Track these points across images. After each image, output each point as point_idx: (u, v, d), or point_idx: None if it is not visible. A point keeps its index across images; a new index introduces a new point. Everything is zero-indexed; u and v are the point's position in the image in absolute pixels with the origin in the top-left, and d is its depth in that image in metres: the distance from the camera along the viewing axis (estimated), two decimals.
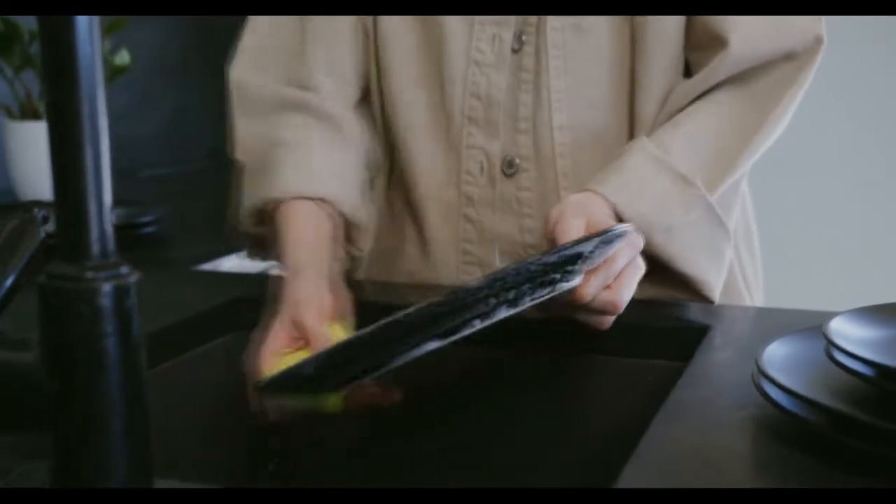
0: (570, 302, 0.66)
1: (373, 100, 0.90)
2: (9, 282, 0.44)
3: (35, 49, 1.39)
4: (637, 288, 0.79)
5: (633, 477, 0.46)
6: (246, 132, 0.87)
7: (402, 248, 0.90)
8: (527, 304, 0.60)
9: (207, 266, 1.14)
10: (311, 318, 0.68)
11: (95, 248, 0.38)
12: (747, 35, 0.79)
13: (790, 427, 0.51)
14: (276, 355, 0.67)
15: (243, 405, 0.83)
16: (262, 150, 0.85)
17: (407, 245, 0.90)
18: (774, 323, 0.74)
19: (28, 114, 1.41)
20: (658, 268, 0.78)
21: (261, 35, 0.90)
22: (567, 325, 0.75)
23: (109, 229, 0.38)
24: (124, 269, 0.38)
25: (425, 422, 0.79)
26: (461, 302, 0.55)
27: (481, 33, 0.84)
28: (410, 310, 0.54)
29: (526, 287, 0.59)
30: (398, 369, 0.64)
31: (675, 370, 0.68)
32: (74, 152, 0.38)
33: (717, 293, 0.79)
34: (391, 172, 0.92)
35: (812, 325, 0.59)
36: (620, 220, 0.74)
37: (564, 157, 0.84)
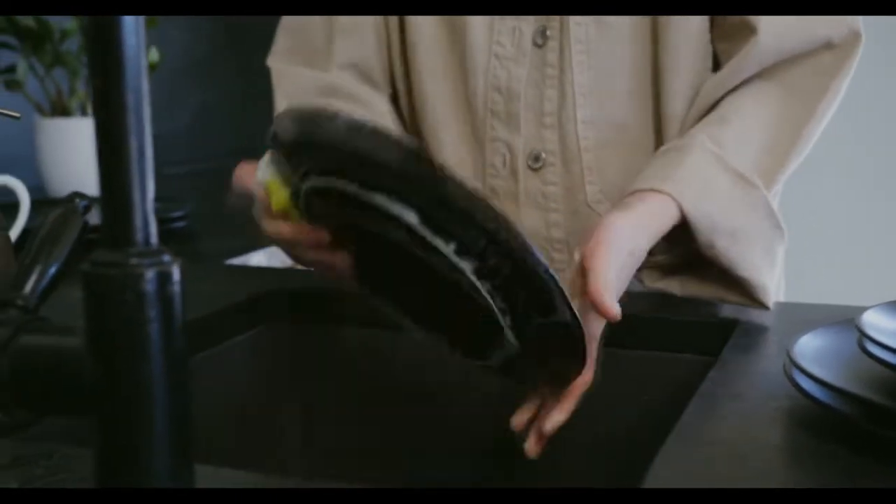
0: None
1: (400, 96, 0.91)
2: (52, 270, 0.45)
3: (65, 47, 1.40)
4: (687, 286, 0.78)
5: (665, 468, 0.46)
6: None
7: None
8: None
9: (237, 261, 1.15)
10: None
11: (139, 235, 0.39)
12: (776, 22, 0.78)
13: (823, 419, 0.51)
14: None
15: (273, 397, 0.84)
16: None
17: None
18: (801, 317, 0.74)
19: (58, 111, 1.43)
20: (712, 269, 0.75)
21: (292, 35, 0.92)
22: None
23: (152, 218, 0.39)
24: (167, 257, 0.39)
25: (451, 414, 0.80)
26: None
27: (502, 26, 0.85)
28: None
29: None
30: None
31: (703, 364, 0.68)
32: (119, 142, 0.38)
33: (771, 298, 0.76)
34: None
35: (841, 319, 0.59)
36: (685, 218, 0.71)
37: (589, 151, 0.84)
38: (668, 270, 0.80)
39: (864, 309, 0.54)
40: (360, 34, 0.89)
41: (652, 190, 0.72)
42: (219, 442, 0.75)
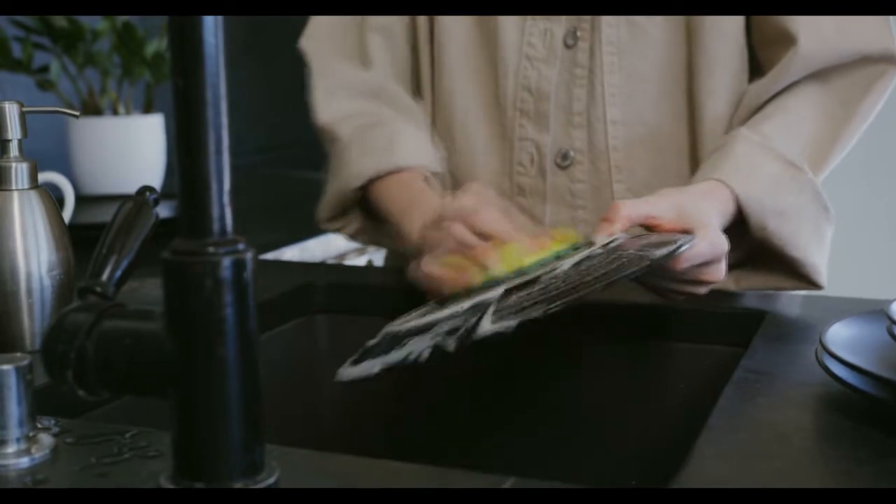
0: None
1: (425, 94, 0.94)
2: (126, 261, 0.48)
3: (97, 47, 1.43)
4: (742, 281, 0.81)
5: (708, 446, 0.49)
6: (335, 109, 0.91)
7: None
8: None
9: (270, 256, 1.17)
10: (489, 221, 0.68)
11: (216, 225, 0.41)
12: (816, 32, 0.80)
13: (855, 403, 0.53)
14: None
15: (308, 388, 0.86)
16: (364, 124, 0.88)
17: None
18: (829, 309, 0.76)
19: (90, 110, 1.46)
20: (764, 257, 0.78)
21: (325, 24, 0.94)
22: (623, 311, 0.77)
23: (228, 208, 0.42)
24: (241, 246, 0.42)
25: (484, 405, 0.82)
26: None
27: (533, 28, 0.87)
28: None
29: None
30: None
31: (732, 355, 0.70)
32: (199, 137, 0.41)
33: (824, 278, 0.79)
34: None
35: (870, 310, 0.61)
36: (739, 206, 0.74)
37: (618, 150, 0.86)
38: None
39: (892, 300, 0.56)
40: (391, 31, 0.92)
41: (710, 180, 0.76)
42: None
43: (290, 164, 1.94)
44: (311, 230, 1.30)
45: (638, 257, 0.61)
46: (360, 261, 1.41)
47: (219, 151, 0.41)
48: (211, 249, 0.41)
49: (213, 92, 0.41)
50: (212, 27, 0.41)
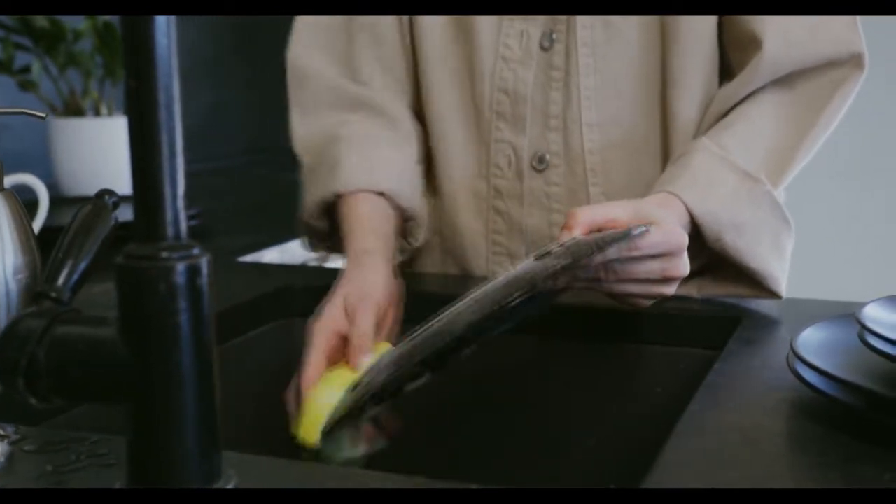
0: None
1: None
2: (83, 265, 0.47)
3: (79, 47, 1.43)
4: (704, 288, 0.81)
5: (676, 453, 0.48)
6: (306, 130, 0.90)
7: (432, 238, 0.93)
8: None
9: (249, 258, 1.17)
10: (364, 317, 0.69)
11: (170, 229, 0.41)
12: (781, 36, 0.79)
13: (825, 408, 0.53)
14: (319, 368, 0.68)
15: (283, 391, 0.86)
16: (323, 146, 0.87)
17: (435, 235, 0.93)
18: (802, 312, 0.75)
19: (71, 110, 1.45)
20: (724, 265, 0.78)
21: (313, 29, 0.92)
22: (598, 314, 0.77)
23: (183, 213, 0.41)
24: (196, 251, 0.41)
25: (461, 411, 0.82)
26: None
27: (510, 29, 0.86)
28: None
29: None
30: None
31: (707, 358, 0.69)
32: (152, 140, 0.40)
33: (783, 288, 0.79)
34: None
35: (842, 314, 0.61)
36: (693, 220, 0.74)
37: (594, 153, 0.86)
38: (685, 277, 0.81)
39: (863, 304, 0.56)
40: (380, 29, 0.90)
41: (663, 192, 0.75)
42: (230, 436, 0.76)
43: (284, 164, 1.93)
44: (293, 232, 1.29)
45: (588, 244, 0.63)
46: (341, 263, 1.40)
47: (172, 154, 0.41)
48: (164, 254, 0.40)
49: (166, 94, 0.40)
50: (164, 28, 0.40)
